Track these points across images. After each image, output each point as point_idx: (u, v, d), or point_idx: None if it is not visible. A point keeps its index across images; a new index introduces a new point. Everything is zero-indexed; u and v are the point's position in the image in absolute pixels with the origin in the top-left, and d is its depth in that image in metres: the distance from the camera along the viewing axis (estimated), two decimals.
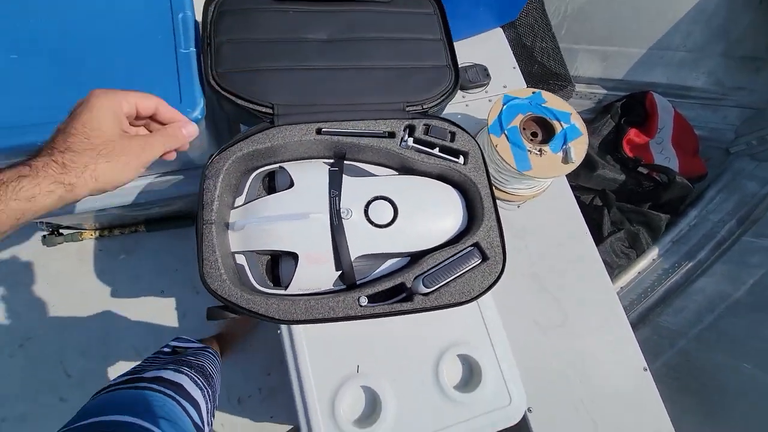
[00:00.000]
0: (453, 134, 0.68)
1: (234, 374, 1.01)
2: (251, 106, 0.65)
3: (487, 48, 1.05)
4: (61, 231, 1.04)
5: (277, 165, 0.67)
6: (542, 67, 1.26)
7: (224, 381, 1.01)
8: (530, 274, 0.86)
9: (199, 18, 0.71)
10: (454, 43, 0.77)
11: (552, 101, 0.84)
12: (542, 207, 0.92)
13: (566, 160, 0.79)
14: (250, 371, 1.02)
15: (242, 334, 1.00)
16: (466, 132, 0.69)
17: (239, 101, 0.65)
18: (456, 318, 0.69)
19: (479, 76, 1.00)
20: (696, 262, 1.20)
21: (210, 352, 0.73)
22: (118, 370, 0.98)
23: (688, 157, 1.34)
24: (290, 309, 0.55)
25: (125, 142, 0.34)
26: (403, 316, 0.63)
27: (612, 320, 0.86)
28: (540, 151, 0.79)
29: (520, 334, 0.80)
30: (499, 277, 0.61)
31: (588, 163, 1.25)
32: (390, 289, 0.59)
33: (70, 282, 1.03)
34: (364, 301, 0.57)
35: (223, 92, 0.65)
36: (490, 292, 0.61)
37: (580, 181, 1.27)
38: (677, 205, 1.28)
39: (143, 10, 0.69)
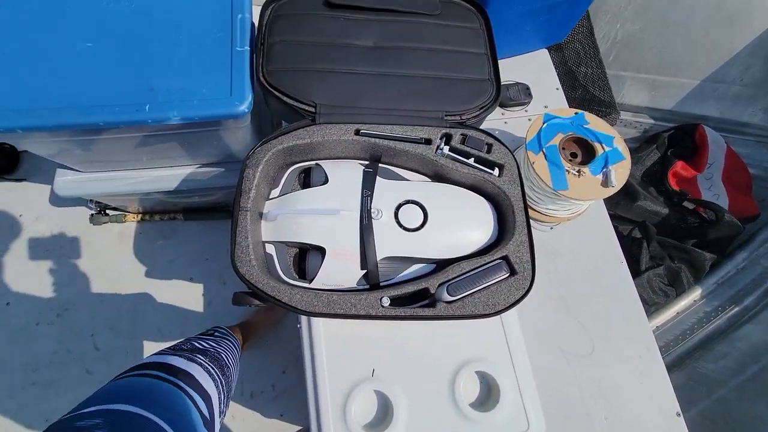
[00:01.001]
0: (490, 146, 0.68)
1: (250, 367, 1.03)
2: (295, 103, 0.68)
3: (531, 68, 1.05)
4: (107, 212, 1.11)
5: (314, 162, 0.69)
6: (586, 92, 1.24)
7: (240, 372, 1.03)
8: (558, 297, 0.83)
9: (255, 20, 0.75)
10: (499, 61, 0.77)
11: (595, 123, 0.83)
12: (576, 231, 0.89)
13: (606, 183, 0.77)
14: (266, 367, 1.03)
15: (263, 328, 1.02)
16: (503, 144, 0.68)
17: (284, 98, 0.68)
18: (478, 333, 0.67)
19: (521, 95, 1.00)
20: (742, 308, 1.11)
21: (230, 340, 0.74)
22: (141, 348, 1.02)
23: (740, 196, 1.26)
24: (313, 301, 0.56)
25: None
26: (424, 324, 0.62)
27: (645, 357, 0.81)
28: (578, 171, 0.77)
29: (542, 360, 0.77)
30: (526, 293, 0.59)
31: (629, 193, 1.20)
32: (413, 293, 0.59)
33: (109, 260, 1.09)
34: (386, 302, 0.57)
35: (270, 89, 0.68)
36: (515, 310, 0.60)
37: (619, 210, 1.22)
38: (725, 245, 1.20)
39: (207, 8, 0.74)
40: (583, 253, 0.87)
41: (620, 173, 0.77)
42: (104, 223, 1.11)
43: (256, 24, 0.75)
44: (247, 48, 0.73)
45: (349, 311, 0.56)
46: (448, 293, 0.58)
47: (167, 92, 0.69)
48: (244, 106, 0.69)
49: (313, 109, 0.68)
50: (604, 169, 0.78)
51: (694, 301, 1.17)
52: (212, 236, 1.14)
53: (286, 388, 1.03)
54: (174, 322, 1.04)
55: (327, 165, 0.68)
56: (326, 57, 0.71)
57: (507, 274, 0.60)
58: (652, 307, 1.15)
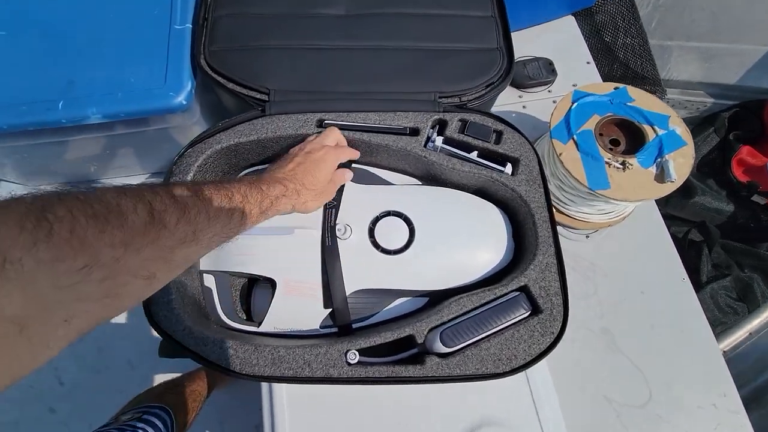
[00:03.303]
0: (499, 134, 0.51)
1: (230, 406, 0.89)
2: (243, 90, 0.53)
3: (554, 39, 0.86)
4: None
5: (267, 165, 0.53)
6: (624, 67, 1.03)
7: (217, 415, 0.89)
8: (600, 330, 0.64)
9: None
10: (513, 33, 0.59)
11: (642, 100, 0.63)
12: (621, 240, 0.70)
13: (662, 177, 0.57)
14: (248, 404, 0.89)
15: None
16: (518, 131, 0.51)
17: (230, 84, 0.53)
18: (493, 387, 0.50)
19: (542, 72, 0.81)
20: None
21: (155, 422, 0.55)
22: (107, 384, 0.89)
23: None
24: (251, 359, 0.40)
25: (328, 187, 0.45)
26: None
27: (721, 406, 0.61)
28: (623, 164, 0.58)
29: (581, 414, 0.58)
30: (556, 341, 0.41)
31: (683, 187, 0.98)
32: (393, 342, 0.42)
33: None
34: (353, 357, 0.40)
35: (212, 73, 0.54)
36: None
37: (669, 208, 1.00)
38: None
39: None
40: (632, 269, 0.67)
41: (681, 164, 0.58)
42: None
43: None
44: (189, 26, 0.58)
45: (299, 373, 0.40)
46: (442, 342, 0.41)
47: (88, 85, 0.55)
48: (182, 98, 0.55)
49: (266, 97, 0.52)
50: (659, 159, 0.58)
51: None
52: None
53: None
54: (145, 354, 0.92)
55: None
56: (284, 30, 0.56)
57: (527, 313, 0.42)
58: (718, 327, 0.93)
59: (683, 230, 1.00)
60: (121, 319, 0.95)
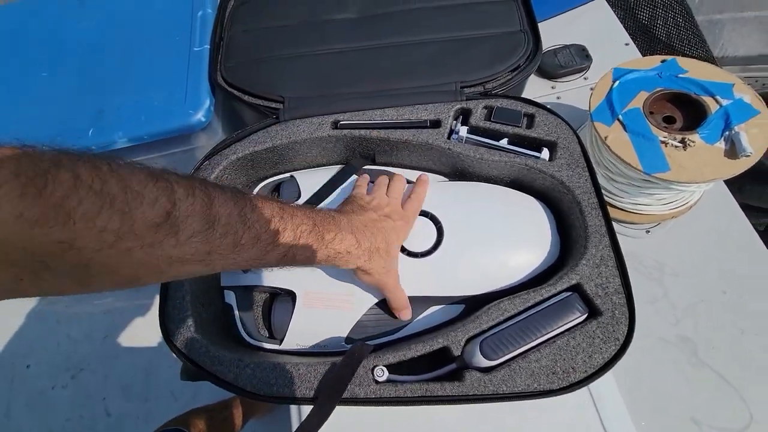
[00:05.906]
0: (531, 117, 0.46)
1: None
2: (258, 101, 0.52)
3: (584, 24, 0.80)
4: None
5: (289, 174, 0.52)
6: (668, 48, 0.94)
7: None
8: (677, 338, 0.54)
9: None
10: (540, 24, 0.55)
11: (697, 70, 0.56)
12: (690, 232, 0.60)
13: (734, 152, 0.49)
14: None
15: None
16: (552, 112, 0.45)
17: (246, 97, 0.53)
18: (549, 408, 0.43)
19: (574, 59, 0.75)
20: None
21: None
22: (151, 415, 0.89)
23: None
24: (268, 378, 0.36)
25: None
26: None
27: None
28: (683, 141, 0.50)
29: None
30: (623, 349, 0.34)
31: (758, 173, 0.86)
32: (427, 356, 0.37)
33: (125, 313, 1.02)
34: (380, 374, 0.36)
35: (228, 87, 0.54)
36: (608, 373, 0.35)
37: (744, 197, 0.88)
38: None
39: (168, 12, 0.64)
40: (708, 265, 0.58)
41: (756, 135, 0.49)
42: None
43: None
44: (207, 47, 0.60)
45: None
46: (483, 354, 0.35)
47: (115, 112, 0.58)
48: (200, 115, 0.55)
49: (280, 106, 0.51)
50: (727, 132, 0.50)
51: None
52: None
53: None
54: (188, 384, 0.91)
55: (302, 176, 0.50)
56: (297, 39, 0.55)
57: (583, 316, 0.36)
58: None
59: (764, 222, 0.87)
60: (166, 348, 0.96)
